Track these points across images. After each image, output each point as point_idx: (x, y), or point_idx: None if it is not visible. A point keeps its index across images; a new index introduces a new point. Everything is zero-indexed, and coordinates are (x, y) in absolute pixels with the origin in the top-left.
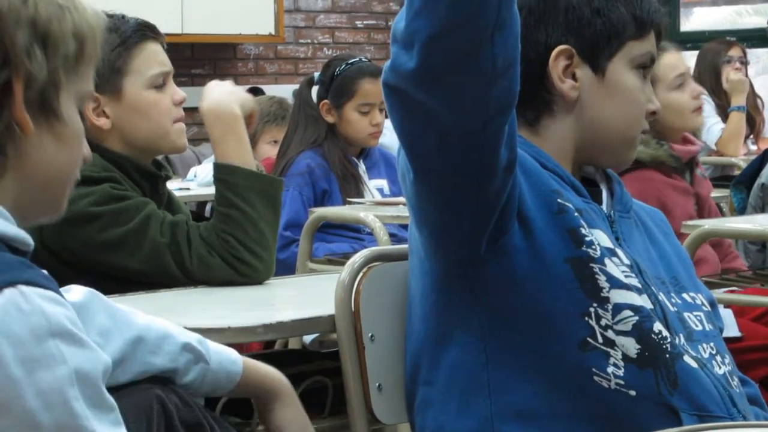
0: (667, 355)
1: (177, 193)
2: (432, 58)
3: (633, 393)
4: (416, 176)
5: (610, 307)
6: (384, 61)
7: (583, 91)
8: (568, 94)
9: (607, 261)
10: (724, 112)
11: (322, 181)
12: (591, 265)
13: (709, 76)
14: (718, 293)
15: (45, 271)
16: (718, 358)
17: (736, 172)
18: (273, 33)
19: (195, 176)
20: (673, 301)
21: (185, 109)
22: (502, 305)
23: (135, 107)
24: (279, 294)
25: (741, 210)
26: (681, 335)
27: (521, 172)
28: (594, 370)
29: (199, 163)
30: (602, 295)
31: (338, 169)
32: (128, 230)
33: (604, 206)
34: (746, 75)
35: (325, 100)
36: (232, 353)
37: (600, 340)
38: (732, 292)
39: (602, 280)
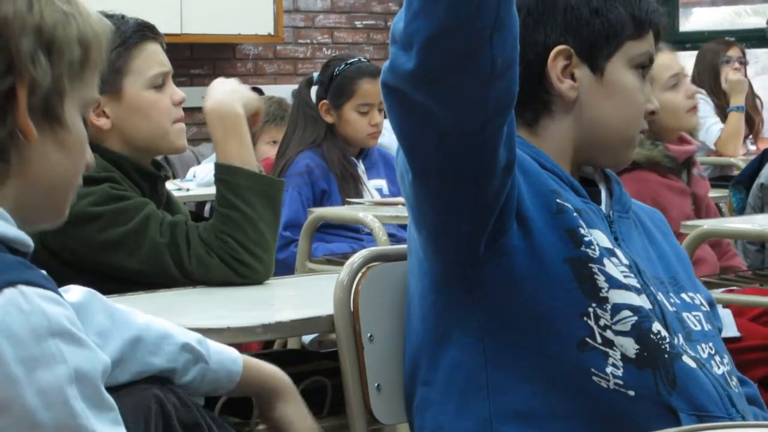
0: (666, 356)
1: (176, 194)
2: (431, 59)
3: (632, 393)
4: (415, 177)
5: (608, 307)
6: (383, 61)
7: (581, 91)
8: (567, 94)
9: (605, 261)
10: (723, 112)
11: (321, 181)
12: (590, 265)
13: (708, 76)
14: (717, 293)
15: (44, 272)
16: (717, 358)
17: (735, 172)
18: (272, 33)
19: (194, 176)
20: (672, 301)
21: (184, 110)
22: (501, 305)
23: (135, 107)
24: (278, 294)
25: (740, 210)
26: (680, 335)
27: (520, 172)
28: (593, 370)
29: (198, 163)
30: (601, 295)
31: (337, 169)
32: (127, 230)
33: (603, 206)
34: (745, 75)
35: (324, 101)
36: (233, 352)
37: (599, 340)
38: (731, 291)
39: (601, 280)
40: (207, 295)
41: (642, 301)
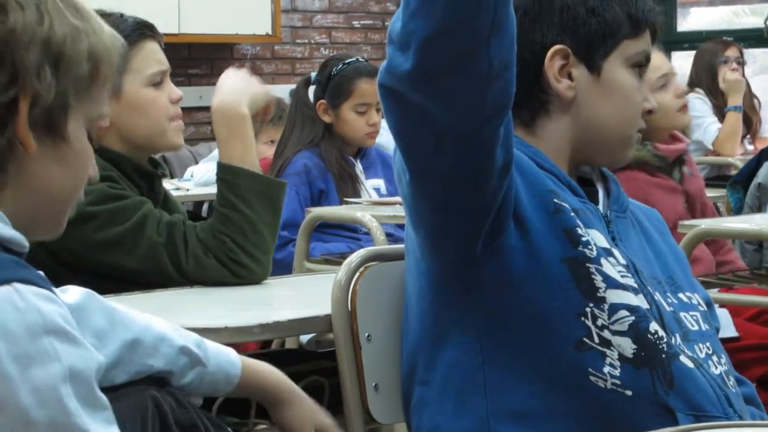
0: (664, 355)
1: (174, 193)
2: (428, 60)
3: (629, 393)
4: (412, 177)
5: (606, 307)
6: (381, 61)
7: (579, 91)
8: (564, 93)
9: (603, 261)
10: (720, 112)
11: (319, 181)
12: (587, 265)
13: (705, 76)
14: (714, 293)
15: (41, 272)
16: (714, 358)
17: (733, 172)
18: (270, 33)
19: (192, 176)
20: (670, 300)
21: (182, 109)
22: (499, 305)
23: (134, 105)
24: (276, 294)
25: (738, 210)
26: (677, 335)
27: (517, 172)
28: (590, 370)
29: (196, 163)
30: (598, 295)
31: (335, 168)
32: (125, 229)
33: (600, 206)
34: (743, 75)
35: (322, 100)
36: (232, 354)
37: (596, 340)
38: (728, 291)
39: (598, 280)
40: (204, 295)
41: (639, 300)
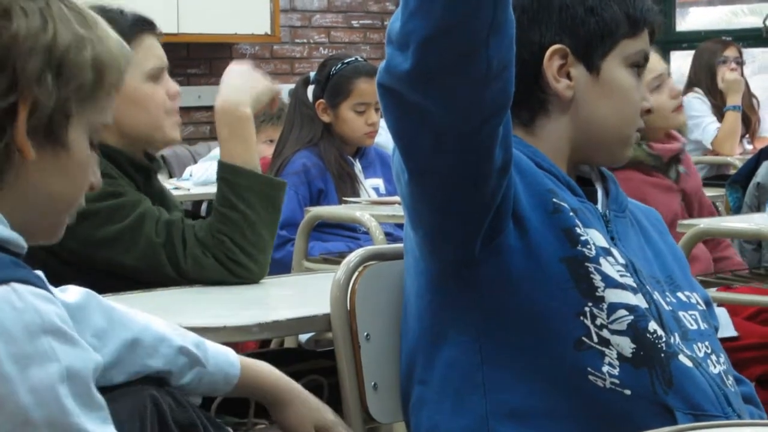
0: (662, 355)
1: (173, 193)
2: (427, 60)
3: (628, 392)
4: (411, 177)
5: (605, 306)
6: (380, 60)
7: (578, 91)
8: (563, 93)
9: (602, 260)
10: (719, 111)
11: (318, 181)
12: (586, 264)
13: (704, 75)
14: (713, 292)
15: (39, 272)
16: (713, 357)
17: (732, 172)
18: (269, 33)
19: (191, 175)
20: (668, 300)
21: (181, 109)
22: (497, 305)
23: (132, 99)
24: (274, 293)
25: (737, 209)
26: (676, 334)
27: (516, 171)
28: (589, 369)
29: (195, 162)
30: (597, 294)
31: (334, 168)
32: (123, 227)
33: (599, 205)
34: (742, 75)
35: (321, 100)
36: (231, 354)
37: (595, 339)
38: (727, 290)
39: (597, 279)
40: (203, 294)
41: (638, 300)
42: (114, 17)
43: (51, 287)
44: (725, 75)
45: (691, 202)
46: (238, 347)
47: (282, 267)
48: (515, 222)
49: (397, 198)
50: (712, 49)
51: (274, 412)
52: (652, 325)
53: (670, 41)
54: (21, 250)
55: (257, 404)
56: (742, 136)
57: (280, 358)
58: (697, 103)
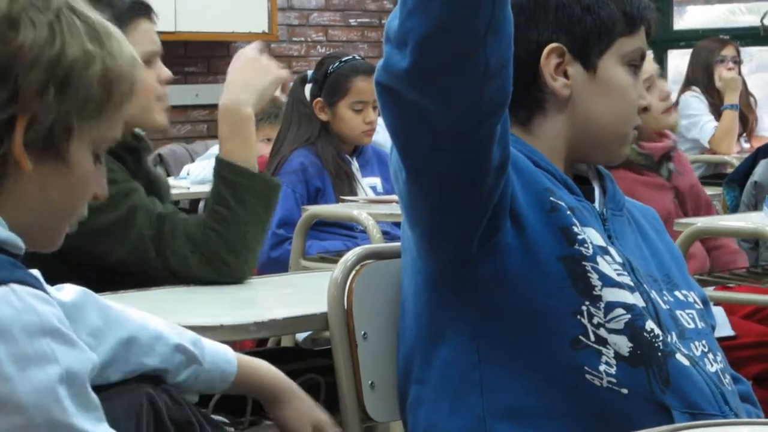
0: (659, 354)
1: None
2: (425, 58)
3: (625, 391)
4: (409, 175)
5: (602, 305)
6: (377, 59)
7: (575, 89)
8: (561, 92)
9: (599, 259)
10: (716, 110)
11: (316, 179)
12: (583, 263)
13: (702, 74)
14: (710, 291)
15: (36, 271)
16: (710, 355)
17: (729, 170)
18: (266, 31)
19: (188, 174)
20: (666, 298)
21: (179, 107)
22: (495, 304)
23: None
24: (272, 292)
25: (734, 208)
26: (673, 333)
27: (514, 170)
28: (586, 368)
29: (193, 161)
30: (594, 293)
31: (331, 167)
32: (115, 219)
33: (596, 204)
34: (739, 74)
35: (319, 98)
36: (228, 352)
37: (592, 338)
38: (724, 288)
39: (594, 278)
40: (200, 293)
41: (635, 299)
42: (111, 1)
43: (47, 286)
44: (723, 74)
45: (684, 200)
46: (235, 346)
47: (279, 266)
48: (512, 220)
49: (394, 197)
50: (709, 48)
51: (272, 409)
52: (650, 324)
53: (667, 40)
54: (19, 251)
55: (255, 402)
56: (740, 135)
57: (277, 356)
58: (695, 102)
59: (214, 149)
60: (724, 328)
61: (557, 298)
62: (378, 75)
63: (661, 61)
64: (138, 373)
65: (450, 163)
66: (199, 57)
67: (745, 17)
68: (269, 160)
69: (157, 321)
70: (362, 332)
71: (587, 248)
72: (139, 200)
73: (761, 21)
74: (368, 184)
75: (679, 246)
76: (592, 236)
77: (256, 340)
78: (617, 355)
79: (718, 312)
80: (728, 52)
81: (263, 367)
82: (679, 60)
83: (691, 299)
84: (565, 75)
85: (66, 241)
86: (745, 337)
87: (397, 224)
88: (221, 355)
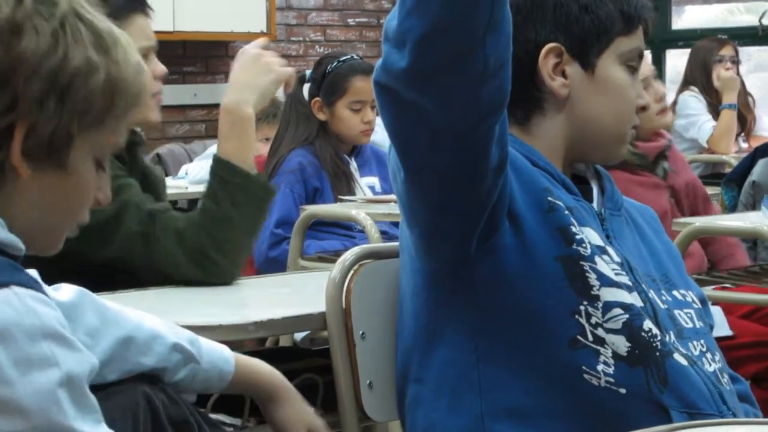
0: (657, 353)
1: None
2: (424, 58)
3: (623, 391)
4: (407, 175)
5: (600, 305)
6: (376, 58)
7: (573, 89)
8: (559, 91)
9: (597, 259)
10: (715, 109)
11: (314, 179)
12: (581, 263)
13: (700, 74)
14: (709, 290)
15: (34, 270)
16: (709, 355)
17: (727, 170)
18: (265, 31)
19: (186, 174)
20: (664, 298)
21: (177, 107)
22: (493, 303)
23: None
24: (270, 291)
25: (732, 207)
26: (671, 333)
27: (512, 170)
28: (584, 368)
29: (191, 161)
30: (592, 293)
31: (330, 166)
32: (104, 217)
33: (594, 204)
34: (738, 73)
35: (317, 98)
36: (225, 351)
37: (590, 338)
38: (722, 289)
39: (592, 278)
40: (199, 294)
41: (633, 298)
42: None
43: (45, 286)
44: (721, 73)
45: (680, 199)
46: (234, 346)
47: (277, 265)
48: (510, 220)
49: (392, 196)
50: (708, 48)
51: (268, 409)
52: (648, 324)
53: (666, 39)
54: (19, 252)
55: (253, 402)
56: (738, 135)
57: (275, 356)
58: (693, 102)
59: (213, 149)
60: (722, 327)
61: (555, 297)
62: (376, 75)
63: (659, 60)
64: (135, 372)
65: (448, 163)
66: (197, 57)
67: (744, 17)
68: (267, 160)
69: (154, 320)
70: (360, 332)
71: (585, 248)
72: (130, 197)
73: (759, 21)
74: (366, 183)
75: (677, 245)
76: (591, 236)
77: (255, 340)
78: (615, 355)
79: (717, 311)
80: (726, 51)
81: (261, 366)
82: (677, 60)
83: (689, 299)
84: (564, 75)
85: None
86: (743, 336)
87: (396, 224)
88: (218, 354)
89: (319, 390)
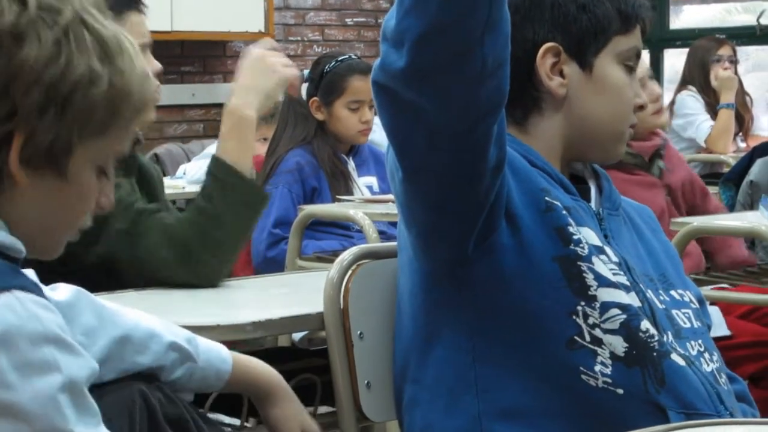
0: (655, 354)
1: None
2: (422, 58)
3: (620, 391)
4: (405, 175)
5: (597, 305)
6: (374, 58)
7: (571, 88)
8: (557, 91)
9: (594, 259)
10: (713, 109)
11: (312, 179)
12: (579, 263)
13: (698, 73)
14: (707, 290)
15: (31, 271)
16: (706, 355)
17: (725, 170)
18: (263, 30)
19: (184, 174)
20: (662, 298)
21: (175, 107)
22: (490, 304)
23: None
24: (268, 291)
25: (730, 207)
26: (669, 333)
27: (509, 170)
28: (581, 368)
29: (189, 160)
30: (590, 293)
31: (327, 166)
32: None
33: (592, 203)
34: (736, 73)
35: (315, 98)
36: (222, 350)
37: (587, 338)
38: (720, 289)
39: (590, 278)
40: (197, 294)
41: (631, 299)
42: None
43: (43, 287)
44: (719, 73)
45: (676, 197)
46: (231, 346)
47: (275, 265)
48: (508, 221)
49: (390, 196)
50: (706, 47)
51: (264, 408)
52: (645, 324)
53: (663, 39)
54: (19, 255)
55: (251, 403)
56: (736, 134)
57: (273, 356)
58: (691, 101)
59: (211, 149)
60: (720, 327)
61: (552, 298)
62: (375, 74)
63: (657, 60)
64: (132, 371)
65: (447, 163)
66: (195, 56)
67: (741, 16)
68: (265, 160)
69: (151, 319)
70: (358, 332)
71: (582, 248)
72: (120, 196)
73: (757, 20)
74: (364, 183)
75: (675, 245)
76: (588, 236)
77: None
78: (613, 356)
79: (714, 311)
80: (724, 51)
81: (258, 365)
82: (675, 59)
83: (687, 298)
84: (561, 74)
85: None
86: (741, 336)
87: (394, 224)
88: (216, 353)
89: (317, 390)
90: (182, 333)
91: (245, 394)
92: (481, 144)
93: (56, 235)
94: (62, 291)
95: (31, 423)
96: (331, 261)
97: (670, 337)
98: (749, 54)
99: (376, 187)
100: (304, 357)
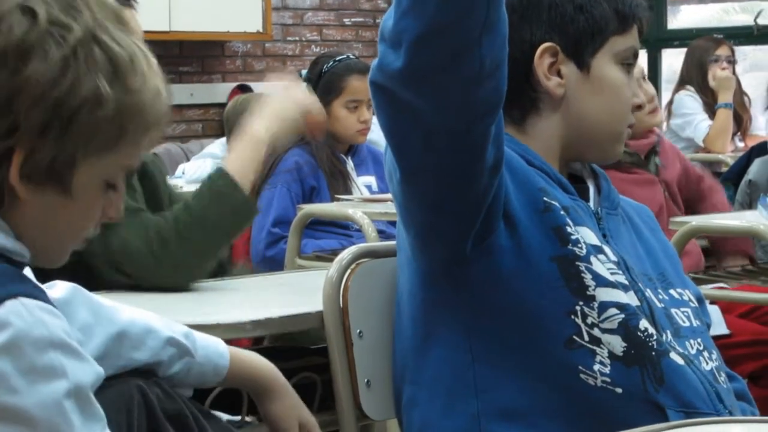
0: (654, 353)
1: None
2: (419, 58)
3: (619, 390)
4: (403, 175)
5: (596, 305)
6: (372, 58)
7: (568, 88)
8: (554, 91)
9: (593, 259)
10: (711, 109)
11: (311, 178)
12: (577, 263)
13: (696, 73)
14: (706, 289)
15: (28, 270)
16: (705, 354)
17: (724, 169)
18: (261, 30)
19: (183, 173)
20: (660, 297)
21: (174, 107)
22: (489, 304)
23: None
24: (267, 290)
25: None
26: (668, 332)
27: (507, 170)
28: (580, 368)
29: (188, 160)
30: (588, 293)
31: (326, 166)
32: None
33: (591, 203)
34: (733, 73)
35: None
36: (220, 345)
37: (586, 338)
38: (720, 288)
39: (588, 278)
40: (196, 293)
41: (629, 298)
42: None
43: (39, 285)
44: (717, 73)
45: (673, 192)
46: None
47: (275, 264)
48: (506, 221)
49: (389, 195)
50: (703, 47)
51: (262, 402)
52: (644, 323)
53: (661, 39)
54: (24, 259)
55: (251, 399)
56: (734, 134)
57: (273, 354)
58: (689, 101)
59: (209, 148)
60: (719, 326)
61: (551, 298)
62: (372, 74)
63: (655, 60)
64: (129, 368)
65: (444, 163)
66: (193, 56)
67: (739, 16)
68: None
69: (147, 315)
70: (358, 330)
71: (581, 248)
72: None
73: (755, 20)
74: (363, 182)
75: (674, 244)
76: (587, 235)
77: (252, 339)
78: (611, 355)
79: (714, 310)
80: (722, 51)
81: (256, 360)
82: (673, 59)
83: (686, 297)
84: (559, 74)
85: None
86: (740, 335)
87: (393, 223)
88: (213, 348)
89: (317, 388)
90: (179, 328)
91: (243, 388)
92: (479, 144)
93: (61, 245)
94: (58, 288)
95: (37, 428)
96: (331, 260)
97: (669, 336)
98: (747, 54)
99: (374, 187)
100: (303, 355)
